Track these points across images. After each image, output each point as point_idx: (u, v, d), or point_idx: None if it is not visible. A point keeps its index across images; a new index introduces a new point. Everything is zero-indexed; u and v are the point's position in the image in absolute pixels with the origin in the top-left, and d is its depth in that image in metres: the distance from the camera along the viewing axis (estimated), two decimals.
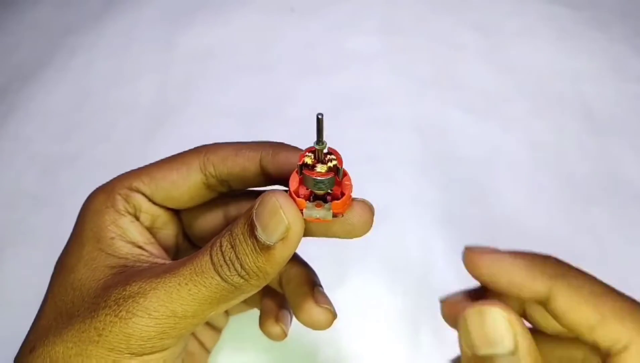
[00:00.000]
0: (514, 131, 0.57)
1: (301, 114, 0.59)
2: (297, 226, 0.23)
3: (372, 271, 0.49)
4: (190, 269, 0.23)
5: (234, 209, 0.32)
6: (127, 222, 0.28)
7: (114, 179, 0.29)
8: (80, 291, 0.25)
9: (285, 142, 0.28)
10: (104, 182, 0.29)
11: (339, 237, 0.27)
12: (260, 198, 0.23)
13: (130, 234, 0.28)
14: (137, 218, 0.29)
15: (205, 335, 0.36)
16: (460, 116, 0.59)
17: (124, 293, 0.24)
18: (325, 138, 0.23)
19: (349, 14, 0.69)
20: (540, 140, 0.57)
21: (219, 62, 0.65)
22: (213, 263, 0.23)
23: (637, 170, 0.54)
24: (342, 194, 0.24)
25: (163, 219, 0.30)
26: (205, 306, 0.24)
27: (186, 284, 0.23)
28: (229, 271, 0.23)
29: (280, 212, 0.22)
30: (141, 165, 0.29)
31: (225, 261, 0.23)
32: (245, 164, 0.28)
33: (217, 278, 0.23)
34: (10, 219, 0.54)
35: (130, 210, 0.28)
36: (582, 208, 0.52)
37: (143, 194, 0.29)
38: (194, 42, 0.67)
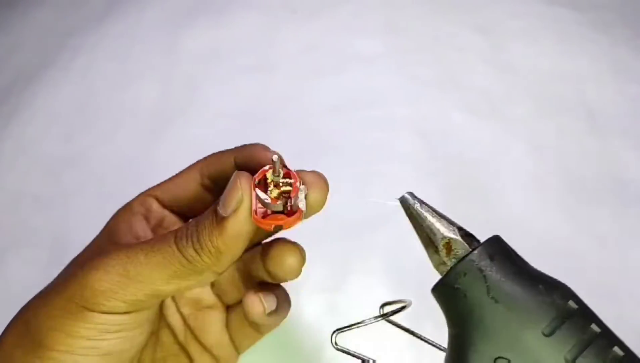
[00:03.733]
0: (516, 133, 0.57)
1: (304, 115, 0.59)
2: (248, 200, 0.25)
3: (374, 273, 0.49)
4: (155, 239, 0.26)
5: None
6: (137, 220, 0.30)
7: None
8: None
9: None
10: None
11: None
12: None
13: (135, 228, 0.30)
14: (147, 219, 0.31)
15: None
16: (462, 118, 0.59)
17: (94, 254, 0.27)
18: (291, 167, 0.25)
19: (351, 16, 0.69)
20: (542, 141, 0.57)
21: (221, 63, 0.65)
22: (175, 236, 0.26)
23: (639, 171, 0.54)
24: (293, 212, 0.25)
25: (170, 220, 0.32)
26: (157, 274, 0.25)
27: (144, 249, 0.26)
28: (186, 242, 0.25)
29: (238, 184, 0.24)
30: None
31: (185, 234, 0.25)
32: (225, 163, 0.30)
33: (174, 247, 0.25)
34: (13, 220, 0.54)
35: (142, 212, 0.31)
36: (584, 209, 0.52)
37: (155, 197, 0.32)
38: (197, 44, 0.67)
